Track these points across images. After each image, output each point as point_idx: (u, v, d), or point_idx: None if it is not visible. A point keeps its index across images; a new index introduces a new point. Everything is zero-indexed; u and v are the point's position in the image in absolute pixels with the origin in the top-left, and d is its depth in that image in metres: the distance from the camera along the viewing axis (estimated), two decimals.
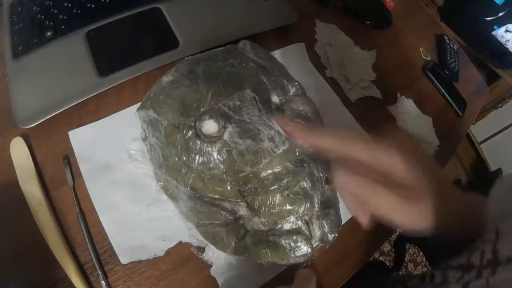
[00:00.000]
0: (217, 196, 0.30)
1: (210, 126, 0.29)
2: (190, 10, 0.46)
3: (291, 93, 0.36)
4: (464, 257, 0.26)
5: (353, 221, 0.39)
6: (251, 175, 0.30)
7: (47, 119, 0.36)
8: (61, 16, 0.42)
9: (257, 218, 0.31)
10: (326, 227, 0.32)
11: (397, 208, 0.22)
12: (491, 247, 0.24)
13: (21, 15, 0.43)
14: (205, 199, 0.31)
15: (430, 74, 0.59)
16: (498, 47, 1.29)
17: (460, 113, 0.57)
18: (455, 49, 0.67)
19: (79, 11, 0.43)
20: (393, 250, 0.73)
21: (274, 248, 0.30)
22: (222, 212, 0.31)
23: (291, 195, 0.30)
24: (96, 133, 0.37)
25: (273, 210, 0.30)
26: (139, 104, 0.35)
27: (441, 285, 0.28)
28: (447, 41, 0.67)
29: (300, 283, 0.27)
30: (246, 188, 0.30)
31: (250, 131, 0.30)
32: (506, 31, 1.31)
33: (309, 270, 0.30)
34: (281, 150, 0.30)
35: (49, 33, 0.41)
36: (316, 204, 0.31)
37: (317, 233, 0.32)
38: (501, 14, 1.31)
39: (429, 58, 0.63)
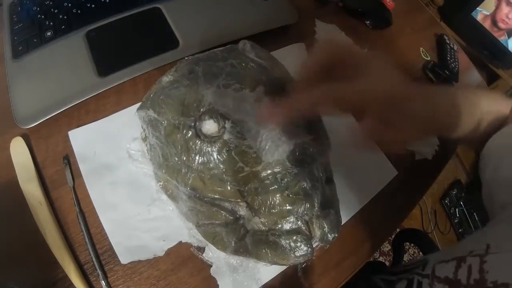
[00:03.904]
0: (217, 196, 0.30)
1: (210, 126, 0.29)
2: (190, 10, 0.46)
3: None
4: (451, 268, 0.26)
5: (353, 221, 0.40)
6: (251, 175, 0.30)
7: (47, 119, 0.36)
8: (61, 16, 0.42)
9: (257, 218, 0.31)
10: (326, 227, 0.32)
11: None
12: (478, 264, 0.23)
13: (21, 15, 0.43)
14: (205, 199, 0.31)
15: (430, 74, 0.59)
16: (498, 47, 1.29)
17: None
18: (455, 49, 0.67)
19: (79, 11, 0.43)
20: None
21: (274, 248, 0.30)
22: (222, 212, 0.31)
23: (291, 195, 0.30)
24: (96, 133, 0.37)
25: (273, 210, 0.30)
26: (139, 104, 0.35)
27: None
28: (447, 41, 0.67)
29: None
30: (246, 188, 0.30)
31: (250, 131, 0.30)
32: None
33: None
34: (281, 150, 0.30)
35: (49, 33, 0.41)
36: (316, 204, 0.31)
37: (317, 233, 0.32)
38: None
39: (429, 58, 0.63)
